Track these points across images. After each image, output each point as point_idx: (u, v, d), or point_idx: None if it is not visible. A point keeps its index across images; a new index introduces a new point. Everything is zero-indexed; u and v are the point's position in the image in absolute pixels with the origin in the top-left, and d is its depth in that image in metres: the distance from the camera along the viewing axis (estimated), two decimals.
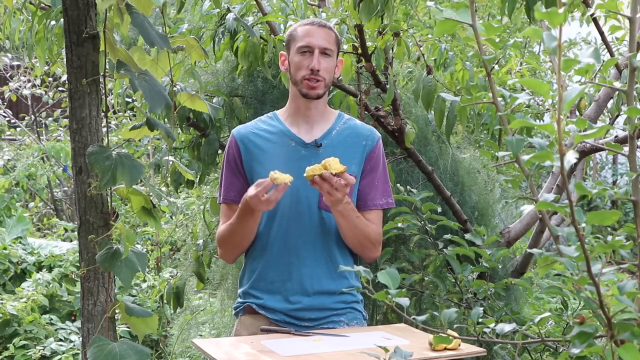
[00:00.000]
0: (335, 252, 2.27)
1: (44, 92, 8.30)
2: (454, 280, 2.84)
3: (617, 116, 4.29)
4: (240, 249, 2.31)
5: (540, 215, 1.46)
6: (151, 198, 1.99)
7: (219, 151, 3.35)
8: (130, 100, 4.50)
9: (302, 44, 2.24)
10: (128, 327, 3.83)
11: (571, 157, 1.11)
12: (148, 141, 5.38)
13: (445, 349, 1.84)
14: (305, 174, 2.05)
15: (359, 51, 2.88)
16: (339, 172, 2.04)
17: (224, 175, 2.34)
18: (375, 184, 2.31)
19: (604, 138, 3.10)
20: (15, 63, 8.70)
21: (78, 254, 2.08)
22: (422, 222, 2.79)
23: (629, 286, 1.25)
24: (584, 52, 1.18)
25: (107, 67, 2.01)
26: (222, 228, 2.30)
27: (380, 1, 2.61)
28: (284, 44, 2.36)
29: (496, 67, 4.31)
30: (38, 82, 8.39)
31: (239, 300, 2.35)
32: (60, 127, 8.45)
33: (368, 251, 2.29)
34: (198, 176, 3.44)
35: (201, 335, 4.27)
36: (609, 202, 7.69)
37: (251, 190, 2.11)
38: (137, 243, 5.56)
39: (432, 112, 3.04)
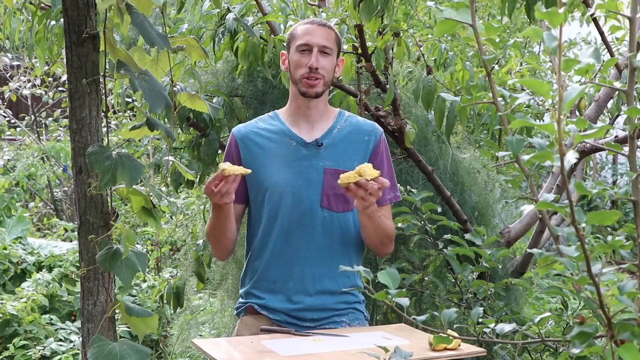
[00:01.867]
0: (337, 251, 2.27)
1: (44, 92, 8.30)
2: (454, 280, 2.84)
3: (617, 116, 4.29)
4: (222, 245, 2.29)
5: (540, 215, 1.46)
6: (151, 198, 1.99)
7: (219, 151, 3.36)
8: (130, 100, 4.49)
9: (301, 42, 2.25)
10: (128, 327, 3.83)
11: (571, 157, 1.11)
12: (148, 141, 5.38)
13: (445, 349, 1.84)
14: (339, 181, 2.05)
15: (359, 51, 2.88)
16: (374, 178, 2.04)
17: None
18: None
19: (604, 138, 3.10)
20: (15, 63, 8.69)
21: (78, 254, 2.08)
22: (422, 222, 2.79)
23: (629, 286, 1.25)
24: (584, 52, 1.18)
25: (107, 67, 2.01)
26: (207, 224, 2.34)
27: (380, 1, 2.61)
28: (285, 43, 2.36)
29: (496, 67, 4.31)
30: (38, 82, 8.38)
31: (241, 300, 2.34)
32: (60, 127, 8.45)
33: (385, 247, 2.31)
34: (198, 176, 3.44)
35: (201, 335, 4.27)
36: (609, 202, 7.69)
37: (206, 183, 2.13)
38: (137, 243, 5.56)
39: (432, 112, 3.04)
